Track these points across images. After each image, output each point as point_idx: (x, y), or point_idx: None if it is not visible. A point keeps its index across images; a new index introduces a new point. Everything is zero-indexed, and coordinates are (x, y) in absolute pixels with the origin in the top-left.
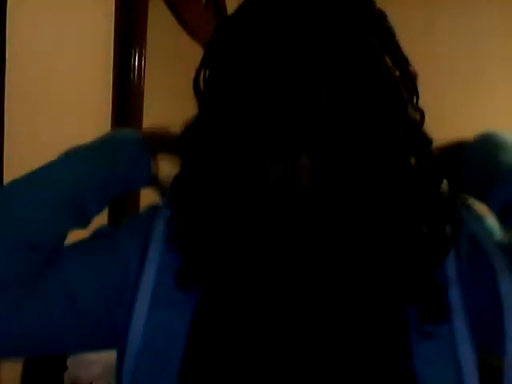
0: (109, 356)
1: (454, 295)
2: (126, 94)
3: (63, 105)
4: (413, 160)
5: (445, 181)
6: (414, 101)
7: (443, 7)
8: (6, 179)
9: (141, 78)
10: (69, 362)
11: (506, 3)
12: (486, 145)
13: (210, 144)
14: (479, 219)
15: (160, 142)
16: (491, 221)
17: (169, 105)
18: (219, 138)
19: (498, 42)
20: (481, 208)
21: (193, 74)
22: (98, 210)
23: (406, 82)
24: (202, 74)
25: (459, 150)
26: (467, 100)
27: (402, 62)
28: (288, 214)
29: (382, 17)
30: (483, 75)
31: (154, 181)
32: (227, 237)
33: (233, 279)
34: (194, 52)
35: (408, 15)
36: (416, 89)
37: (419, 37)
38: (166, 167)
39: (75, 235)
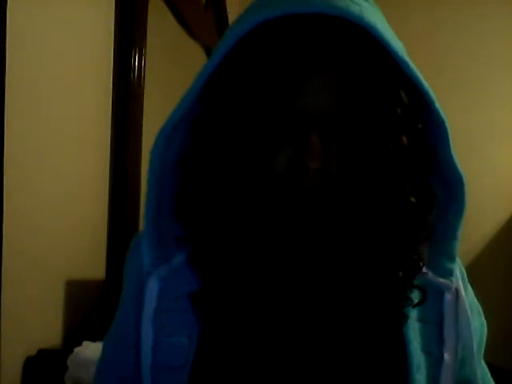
0: None
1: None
2: (126, 94)
3: (63, 105)
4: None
5: None
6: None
7: (446, 9)
8: (6, 179)
9: (141, 77)
10: (69, 362)
11: (509, 6)
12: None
13: (213, 146)
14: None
15: None
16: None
17: (169, 105)
18: (222, 136)
19: (502, 46)
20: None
21: (193, 74)
22: None
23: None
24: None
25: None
26: (470, 103)
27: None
28: (295, 211)
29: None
30: (487, 79)
31: None
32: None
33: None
34: (194, 52)
35: (411, 17)
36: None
37: (422, 39)
38: None
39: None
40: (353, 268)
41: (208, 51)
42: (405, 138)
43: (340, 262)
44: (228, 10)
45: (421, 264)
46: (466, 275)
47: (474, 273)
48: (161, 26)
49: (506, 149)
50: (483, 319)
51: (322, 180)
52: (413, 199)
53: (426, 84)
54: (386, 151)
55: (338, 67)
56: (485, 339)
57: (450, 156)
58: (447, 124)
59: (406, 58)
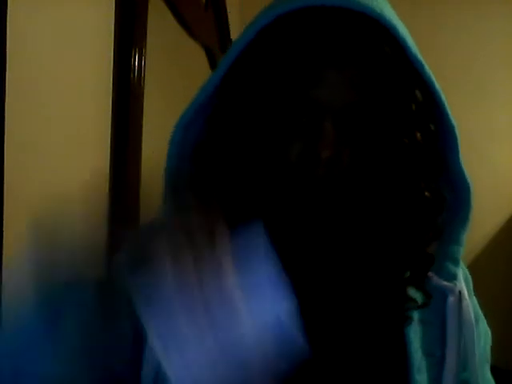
0: None
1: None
2: (126, 94)
3: (63, 105)
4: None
5: None
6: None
7: (446, 9)
8: (7, 179)
9: (141, 77)
10: None
11: (509, 6)
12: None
13: (230, 128)
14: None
15: None
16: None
17: (169, 105)
18: (238, 120)
19: (502, 46)
20: None
21: (193, 74)
22: None
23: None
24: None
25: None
26: (471, 103)
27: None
28: (305, 196)
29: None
30: (487, 79)
31: None
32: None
33: None
34: (194, 52)
35: (412, 16)
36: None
37: (422, 39)
38: None
39: None
40: (362, 261)
41: (208, 51)
42: (418, 134)
43: (350, 253)
44: (228, 10)
45: (430, 262)
46: (471, 283)
47: (474, 273)
48: (161, 25)
49: (506, 149)
50: (487, 328)
51: (334, 170)
52: (427, 193)
53: (438, 86)
54: (399, 145)
55: (355, 60)
56: (489, 347)
57: (459, 162)
58: (457, 129)
59: (421, 57)
